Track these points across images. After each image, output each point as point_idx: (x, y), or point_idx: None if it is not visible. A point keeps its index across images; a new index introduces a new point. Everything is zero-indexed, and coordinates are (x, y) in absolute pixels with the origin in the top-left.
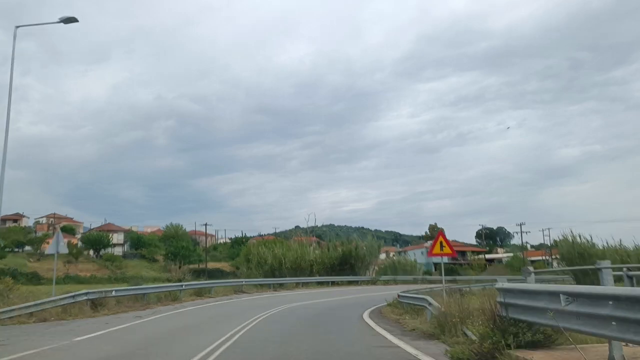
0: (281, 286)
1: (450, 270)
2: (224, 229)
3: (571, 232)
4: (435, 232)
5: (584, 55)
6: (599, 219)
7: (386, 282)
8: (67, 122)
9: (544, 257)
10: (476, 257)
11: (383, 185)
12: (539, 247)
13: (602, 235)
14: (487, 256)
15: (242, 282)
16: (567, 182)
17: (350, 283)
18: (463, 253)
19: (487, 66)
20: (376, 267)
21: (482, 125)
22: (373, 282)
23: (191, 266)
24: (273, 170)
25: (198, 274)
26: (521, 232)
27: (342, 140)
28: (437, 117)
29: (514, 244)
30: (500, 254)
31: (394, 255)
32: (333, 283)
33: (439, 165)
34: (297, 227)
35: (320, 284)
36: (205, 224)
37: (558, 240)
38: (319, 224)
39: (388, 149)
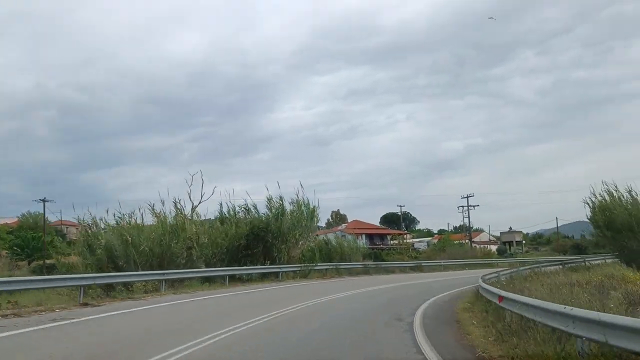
0: (127, 290)
1: (375, 256)
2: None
3: (615, 187)
4: (338, 219)
5: (468, 52)
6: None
7: (324, 274)
8: None
9: (464, 240)
10: (396, 241)
11: (278, 177)
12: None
13: None
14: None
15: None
16: (452, 174)
17: (263, 278)
18: (382, 236)
19: (378, 60)
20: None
21: (373, 119)
22: (304, 274)
23: (47, 261)
24: (164, 163)
25: (50, 270)
26: (468, 205)
27: (237, 132)
28: (330, 110)
29: (419, 229)
30: (409, 240)
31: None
32: (235, 278)
33: (332, 158)
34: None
35: (209, 280)
36: (44, 199)
37: (599, 201)
38: (212, 217)
39: (283, 141)
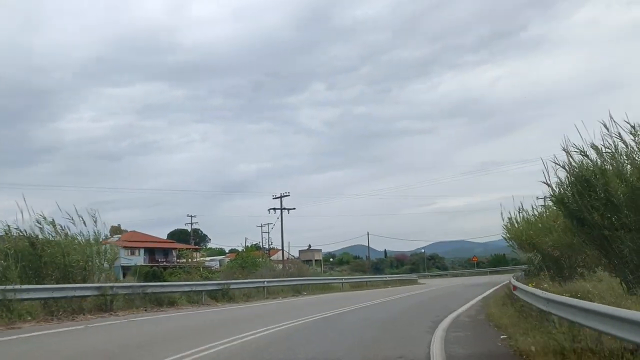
0: None
1: (153, 275)
2: None
3: (633, 127)
4: (118, 233)
5: (265, 79)
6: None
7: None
8: None
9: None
10: (184, 259)
11: (57, 193)
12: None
13: None
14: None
15: None
16: (243, 196)
17: None
18: (166, 252)
19: (174, 78)
20: None
21: (167, 136)
22: None
23: None
24: None
25: None
26: (281, 208)
27: (9, 140)
28: (121, 124)
29: (210, 247)
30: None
31: None
32: None
33: (122, 175)
34: None
35: None
36: None
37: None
38: None
39: (66, 153)
